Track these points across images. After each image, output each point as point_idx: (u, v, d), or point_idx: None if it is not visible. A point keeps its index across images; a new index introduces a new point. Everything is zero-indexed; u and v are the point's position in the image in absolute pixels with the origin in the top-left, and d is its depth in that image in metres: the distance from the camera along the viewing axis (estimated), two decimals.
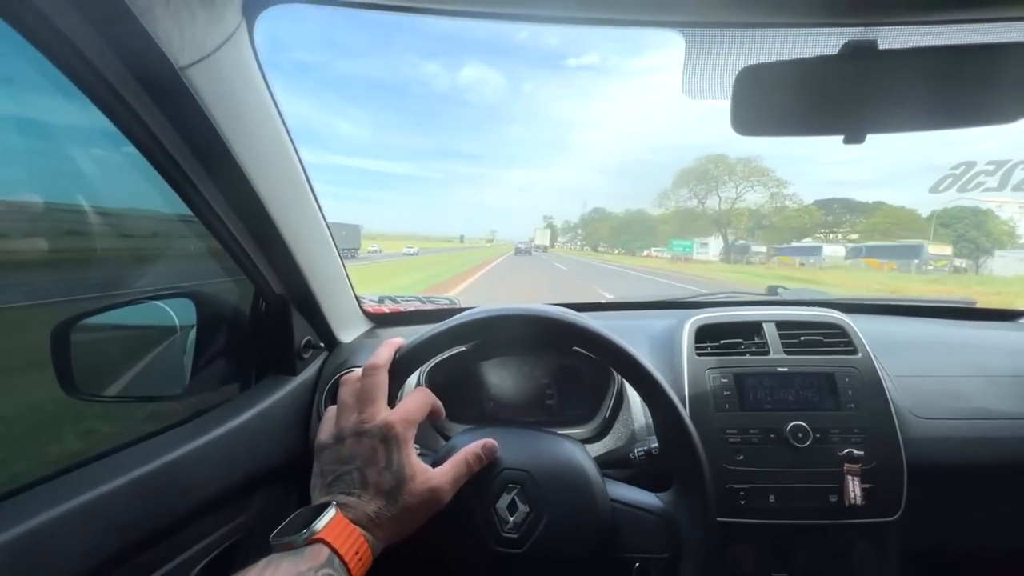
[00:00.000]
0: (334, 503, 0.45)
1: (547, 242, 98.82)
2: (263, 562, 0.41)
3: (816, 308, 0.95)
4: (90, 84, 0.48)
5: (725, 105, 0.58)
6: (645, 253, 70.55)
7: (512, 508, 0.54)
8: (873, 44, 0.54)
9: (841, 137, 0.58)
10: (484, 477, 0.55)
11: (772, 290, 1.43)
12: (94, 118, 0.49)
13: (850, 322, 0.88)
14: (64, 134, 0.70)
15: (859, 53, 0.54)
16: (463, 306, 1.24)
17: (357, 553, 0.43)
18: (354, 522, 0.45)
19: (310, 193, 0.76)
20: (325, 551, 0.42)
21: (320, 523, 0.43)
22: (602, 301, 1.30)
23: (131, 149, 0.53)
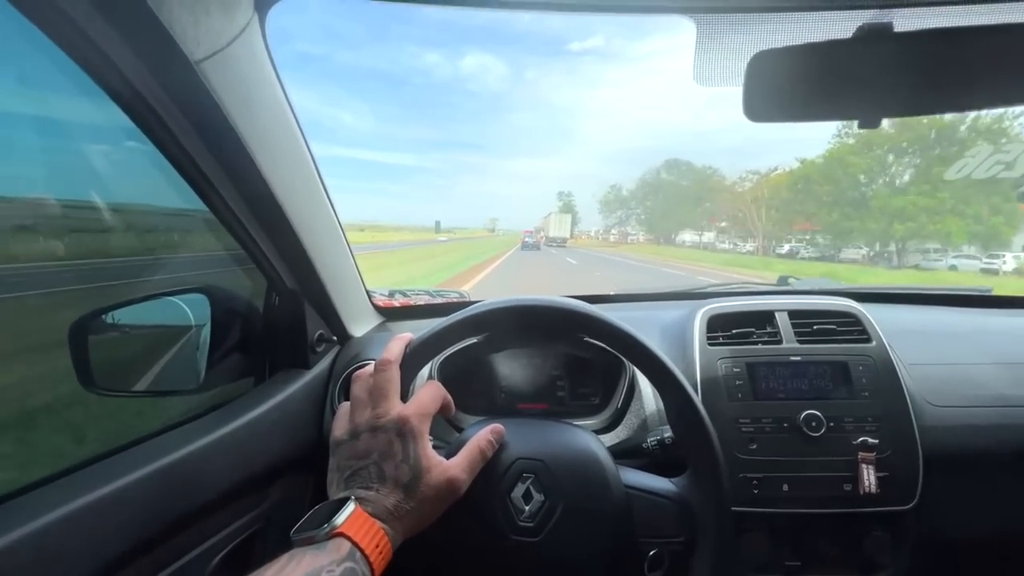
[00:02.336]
0: (353, 498, 0.46)
1: (566, 232, 58.98)
2: (285, 557, 0.41)
3: (829, 297, 0.95)
4: (107, 79, 0.48)
5: (732, 91, 0.57)
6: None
7: (527, 497, 0.54)
8: (888, 26, 0.53)
9: (856, 122, 0.57)
10: (498, 467, 0.55)
11: (783, 280, 1.42)
12: (110, 113, 0.49)
13: (863, 310, 0.88)
14: (80, 130, 0.70)
15: (874, 36, 0.53)
16: (473, 299, 1.25)
17: (378, 546, 0.44)
18: (373, 516, 0.46)
19: (321, 187, 0.77)
20: (346, 545, 0.42)
21: (340, 518, 0.43)
22: (611, 293, 1.30)
23: (147, 145, 0.54)
